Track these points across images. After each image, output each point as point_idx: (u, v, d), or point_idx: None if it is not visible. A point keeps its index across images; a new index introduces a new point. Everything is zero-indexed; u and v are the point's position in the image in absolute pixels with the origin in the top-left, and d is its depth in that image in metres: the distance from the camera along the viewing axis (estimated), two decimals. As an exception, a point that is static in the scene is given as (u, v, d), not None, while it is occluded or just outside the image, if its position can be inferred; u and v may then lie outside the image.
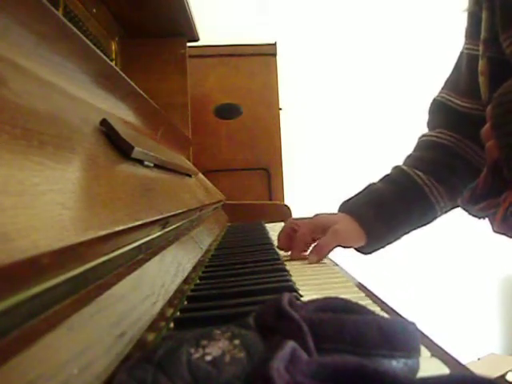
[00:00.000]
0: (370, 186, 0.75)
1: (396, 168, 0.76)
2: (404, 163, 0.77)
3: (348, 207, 0.72)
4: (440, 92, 0.78)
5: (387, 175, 0.76)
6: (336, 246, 0.67)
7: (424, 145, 0.77)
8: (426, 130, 0.82)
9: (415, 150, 0.78)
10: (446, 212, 0.74)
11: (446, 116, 0.76)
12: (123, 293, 0.27)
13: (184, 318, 0.36)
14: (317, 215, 0.71)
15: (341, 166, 2.11)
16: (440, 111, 0.77)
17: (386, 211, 0.70)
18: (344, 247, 0.69)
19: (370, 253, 0.73)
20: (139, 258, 0.36)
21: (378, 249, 0.73)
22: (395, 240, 0.73)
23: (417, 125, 2.16)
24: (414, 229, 0.74)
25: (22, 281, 0.17)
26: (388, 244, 0.73)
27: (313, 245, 0.67)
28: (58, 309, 0.20)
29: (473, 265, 2.16)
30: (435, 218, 0.74)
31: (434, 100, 0.79)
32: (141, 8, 1.02)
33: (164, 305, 0.33)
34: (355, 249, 0.73)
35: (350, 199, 0.73)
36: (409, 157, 0.78)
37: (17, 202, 0.18)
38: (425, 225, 0.74)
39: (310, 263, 0.63)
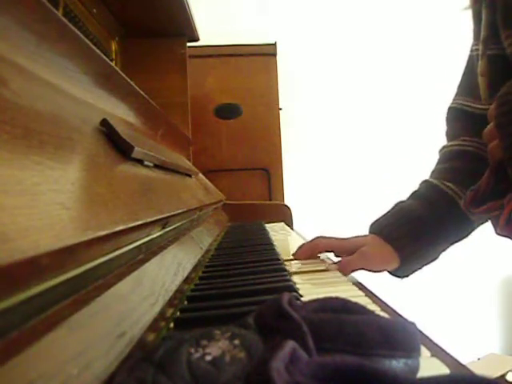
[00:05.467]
0: (397, 204, 0.71)
1: (424, 182, 0.72)
2: (431, 176, 0.72)
3: (376, 228, 0.68)
4: (454, 99, 0.75)
5: (415, 191, 0.71)
6: (361, 268, 0.63)
7: (448, 155, 0.73)
8: (440, 139, 0.78)
9: (440, 162, 0.74)
10: (482, 223, 0.68)
11: (466, 122, 0.72)
12: (123, 293, 0.27)
13: (184, 318, 0.36)
14: (348, 238, 0.68)
15: (341, 165, 2.11)
16: (458, 119, 0.74)
17: (416, 227, 0.66)
18: (375, 271, 0.65)
19: (406, 276, 0.69)
20: (139, 258, 0.36)
21: (414, 270, 0.69)
22: (432, 259, 0.69)
23: (417, 124, 2.16)
24: (451, 244, 0.69)
25: (21, 281, 0.17)
26: (425, 264, 0.68)
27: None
28: (58, 309, 0.20)
29: (473, 265, 2.16)
30: (472, 229, 0.68)
31: (450, 108, 0.75)
32: (141, 8, 1.02)
33: (164, 305, 0.33)
34: (390, 273, 0.69)
35: (378, 219, 0.70)
36: (434, 171, 0.73)
37: (17, 202, 0.18)
38: (462, 238, 0.68)
39: (328, 270, 0.61)
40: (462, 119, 0.73)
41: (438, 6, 2.08)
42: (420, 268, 0.69)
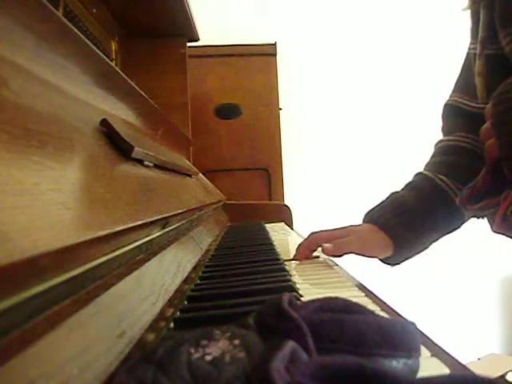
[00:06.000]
0: (392, 194, 0.73)
1: (418, 174, 0.74)
2: (425, 169, 0.74)
3: (372, 217, 0.70)
4: (451, 96, 0.76)
5: (409, 182, 0.73)
6: (355, 252, 0.65)
7: (444, 150, 0.74)
8: (435, 134, 0.79)
9: (434, 155, 0.76)
10: (473, 216, 0.69)
11: (462, 119, 0.74)
12: (123, 293, 0.27)
13: (184, 318, 0.36)
14: (341, 227, 0.70)
15: (341, 165, 2.11)
16: (454, 115, 0.75)
17: (411, 218, 0.68)
18: (369, 257, 0.67)
19: (397, 263, 0.72)
20: (139, 258, 0.36)
21: (405, 259, 0.71)
22: (423, 249, 0.71)
23: (416, 123, 2.16)
24: (442, 235, 0.71)
25: (22, 281, 0.17)
26: (416, 253, 0.71)
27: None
28: (58, 309, 0.20)
29: (473, 265, 2.16)
30: (463, 222, 0.71)
31: (446, 105, 0.77)
32: (141, 8, 1.02)
33: (164, 305, 0.33)
34: (381, 260, 0.71)
35: (372, 209, 0.72)
36: (428, 163, 0.75)
37: (17, 202, 0.18)
38: (452, 231, 0.71)
39: (323, 251, 0.63)
40: (458, 116, 0.75)
41: (437, 6, 2.08)
42: (411, 257, 0.71)
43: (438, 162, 0.74)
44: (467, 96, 0.72)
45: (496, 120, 0.45)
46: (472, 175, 0.67)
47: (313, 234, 0.70)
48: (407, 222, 0.68)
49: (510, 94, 0.44)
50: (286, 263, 0.60)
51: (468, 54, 0.72)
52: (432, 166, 0.73)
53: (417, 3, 2.13)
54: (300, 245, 0.68)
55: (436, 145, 0.77)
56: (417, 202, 0.69)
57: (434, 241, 0.71)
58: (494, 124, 0.45)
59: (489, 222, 0.51)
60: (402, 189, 0.73)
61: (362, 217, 0.73)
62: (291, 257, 0.68)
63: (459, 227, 0.71)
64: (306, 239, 0.69)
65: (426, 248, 0.71)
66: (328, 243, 0.65)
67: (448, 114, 0.77)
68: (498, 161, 0.46)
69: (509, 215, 0.46)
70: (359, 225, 0.71)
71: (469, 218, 0.70)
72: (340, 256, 0.65)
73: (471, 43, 0.70)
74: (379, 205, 0.72)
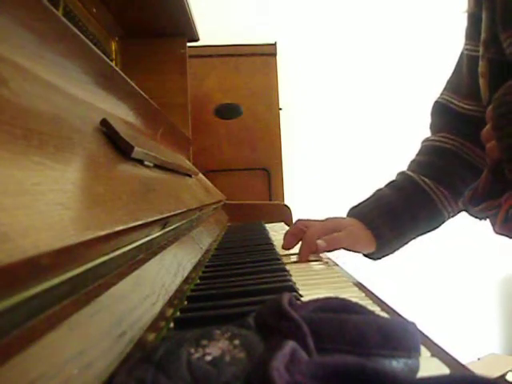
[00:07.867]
0: (377, 191, 0.75)
1: (402, 174, 0.76)
2: (409, 169, 0.77)
3: (357, 213, 0.72)
4: (441, 94, 0.78)
5: (394, 181, 0.76)
6: (345, 248, 0.67)
7: (428, 150, 0.77)
8: (428, 133, 0.81)
9: (419, 154, 0.78)
10: (452, 216, 0.74)
11: (449, 119, 0.76)
12: (123, 293, 0.27)
13: (184, 318, 0.36)
14: (327, 218, 0.72)
15: (341, 165, 2.11)
16: (442, 114, 0.77)
17: (395, 219, 0.71)
18: (353, 251, 0.69)
19: (379, 258, 0.74)
20: (139, 258, 0.36)
21: (387, 255, 0.74)
22: (402, 246, 0.74)
23: (416, 125, 2.16)
24: (421, 235, 0.74)
25: (22, 281, 0.17)
26: (395, 250, 0.74)
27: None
28: (58, 309, 0.20)
29: (472, 265, 2.16)
30: (443, 222, 0.74)
31: (436, 102, 0.79)
32: (141, 8, 1.02)
33: (164, 305, 0.33)
34: (364, 255, 0.74)
35: (358, 205, 0.74)
36: (413, 161, 0.78)
37: (17, 202, 0.18)
38: (431, 231, 0.74)
39: (318, 247, 0.65)
40: (446, 115, 0.77)
41: (436, 6, 2.08)
42: (390, 253, 0.74)
43: (422, 162, 0.76)
44: (457, 96, 0.74)
45: (497, 122, 0.45)
46: (454, 178, 0.71)
47: (299, 220, 0.71)
48: (391, 222, 0.70)
49: (510, 96, 0.44)
50: (285, 263, 0.60)
51: (461, 55, 0.73)
52: (416, 167, 0.76)
53: (416, 3, 2.13)
54: (287, 232, 0.70)
55: (422, 142, 0.80)
56: (400, 202, 0.72)
57: (413, 239, 0.74)
58: (494, 126, 0.45)
59: (491, 223, 0.52)
60: (386, 186, 0.76)
61: (347, 211, 0.75)
62: (290, 256, 0.68)
63: (438, 227, 0.74)
64: (292, 226, 0.71)
65: (404, 245, 0.74)
66: (319, 239, 0.66)
67: (436, 112, 0.79)
68: (499, 163, 0.46)
69: (510, 216, 0.46)
70: (345, 218, 0.73)
71: (449, 218, 0.74)
72: (332, 251, 0.66)
73: (466, 44, 0.71)
74: (365, 202, 0.74)
